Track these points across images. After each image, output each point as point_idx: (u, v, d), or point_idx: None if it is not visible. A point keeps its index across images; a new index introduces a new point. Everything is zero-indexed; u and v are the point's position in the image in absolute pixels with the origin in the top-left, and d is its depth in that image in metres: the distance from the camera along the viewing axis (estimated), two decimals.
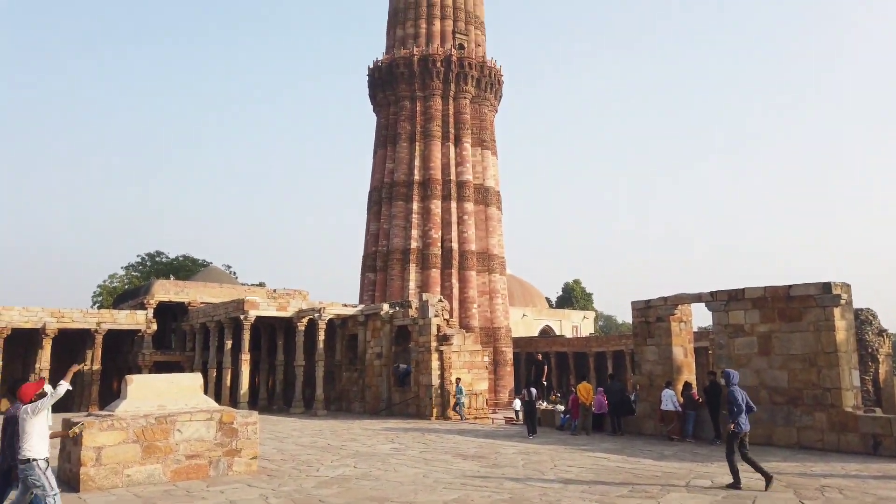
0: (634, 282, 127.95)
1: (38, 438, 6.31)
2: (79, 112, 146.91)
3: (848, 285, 13.63)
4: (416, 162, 39.62)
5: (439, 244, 38.67)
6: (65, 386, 6.57)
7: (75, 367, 7.56)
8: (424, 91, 40.28)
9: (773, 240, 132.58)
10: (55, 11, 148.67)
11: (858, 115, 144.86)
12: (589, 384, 18.04)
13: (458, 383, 22.58)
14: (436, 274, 38.20)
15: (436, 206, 39.04)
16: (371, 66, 42.20)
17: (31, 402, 6.41)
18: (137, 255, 58.66)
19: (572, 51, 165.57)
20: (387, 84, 41.20)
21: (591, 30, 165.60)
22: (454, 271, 38.47)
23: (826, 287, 13.28)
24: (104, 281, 56.38)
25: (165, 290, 32.23)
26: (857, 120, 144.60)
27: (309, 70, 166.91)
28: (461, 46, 41.23)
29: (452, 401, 22.58)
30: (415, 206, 39.08)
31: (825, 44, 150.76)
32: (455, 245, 38.76)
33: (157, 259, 57.11)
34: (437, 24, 41.40)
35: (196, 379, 10.92)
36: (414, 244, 38.57)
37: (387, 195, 40.18)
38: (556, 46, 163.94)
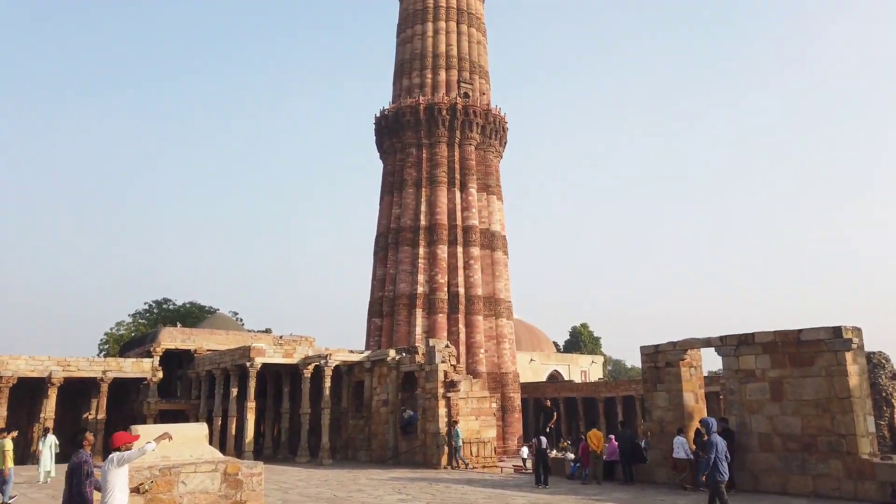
0: (643, 325, 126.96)
1: (120, 492, 6.13)
2: (83, 158, 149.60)
3: (858, 329, 13.50)
4: (423, 207, 39.96)
5: (446, 289, 38.66)
6: (152, 446, 6.45)
7: (167, 436, 7.23)
8: (430, 138, 40.91)
9: (783, 282, 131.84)
10: (47, 55, 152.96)
11: (874, 152, 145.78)
12: (599, 431, 17.76)
13: (454, 427, 22.22)
14: (442, 319, 38.08)
15: (442, 251, 39.19)
16: (378, 115, 43.00)
17: (117, 449, 6.28)
18: (145, 303, 58.80)
19: (576, 95, 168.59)
20: (393, 132, 41.90)
21: (594, 73, 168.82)
22: (461, 316, 38.35)
23: (837, 331, 13.17)
24: (111, 328, 56.43)
25: (172, 338, 32.19)
26: (873, 158, 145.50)
27: (316, 118, 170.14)
28: (466, 95, 42.04)
29: (448, 448, 22.20)
30: (421, 251, 39.23)
31: (841, 80, 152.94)
32: (461, 290, 38.73)
33: (165, 306, 57.20)
34: (443, 73, 42.34)
35: (201, 429, 10.82)
36: (420, 289, 38.58)
37: (393, 240, 40.40)
38: (560, 92, 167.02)
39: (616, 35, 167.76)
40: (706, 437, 9.12)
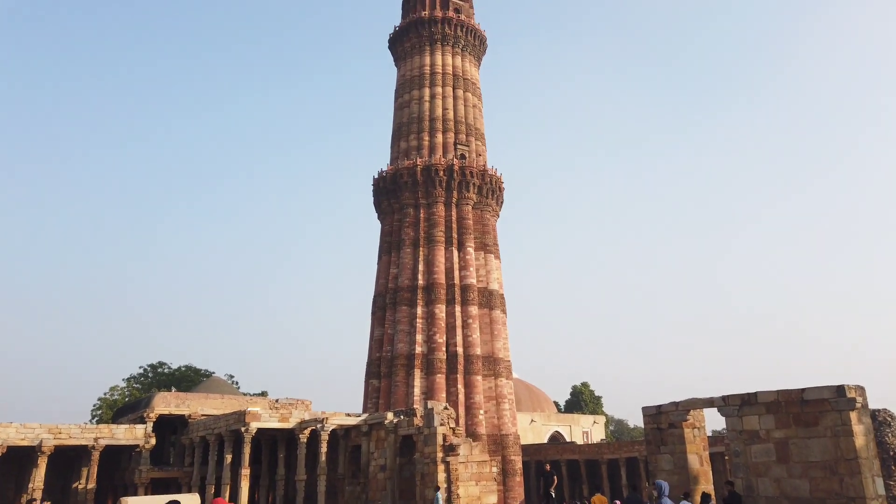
0: (644, 383, 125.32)
1: None
2: (75, 218, 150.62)
3: (862, 388, 13.36)
4: (420, 267, 40.06)
5: (444, 349, 38.32)
6: None
7: None
8: (428, 198, 41.39)
9: (786, 338, 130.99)
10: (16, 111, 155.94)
11: (875, 205, 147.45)
12: (603, 496, 17.30)
13: (436, 491, 21.56)
14: (441, 379, 37.59)
15: (440, 310, 39.05)
16: (376, 176, 43.64)
17: None
18: (139, 367, 58.02)
19: (571, 153, 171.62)
20: (391, 192, 42.43)
21: (589, 130, 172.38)
22: (459, 376, 37.87)
23: (840, 390, 13.02)
24: (105, 394, 55.51)
25: (166, 403, 31.63)
26: (879, 212, 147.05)
27: (313, 179, 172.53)
28: (463, 156, 42.80)
29: None
30: (419, 310, 39.09)
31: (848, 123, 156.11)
32: (460, 349, 38.39)
33: (160, 370, 56.48)
34: (440, 136, 43.21)
35: (194, 500, 10.54)
36: (418, 349, 38.23)
37: (391, 300, 40.31)
38: (556, 150, 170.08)
39: (607, 90, 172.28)
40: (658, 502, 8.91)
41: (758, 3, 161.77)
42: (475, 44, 46.26)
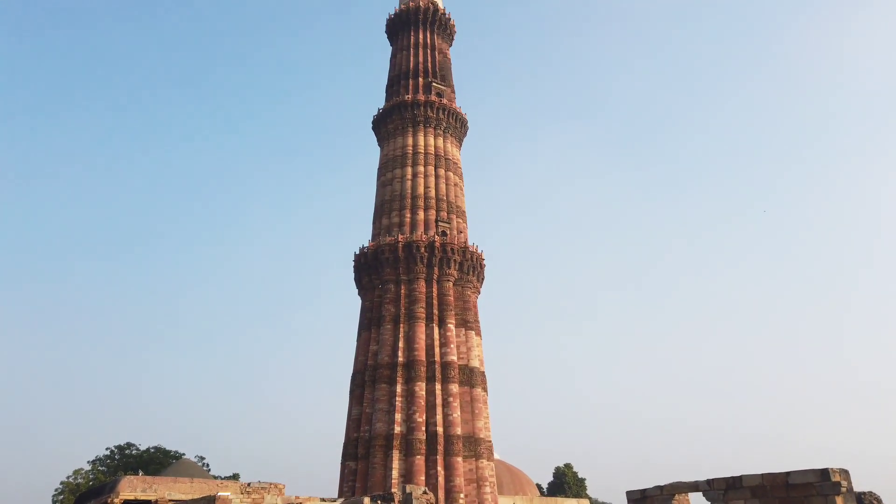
0: (630, 465, 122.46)
1: None
2: (38, 284, 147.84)
3: (846, 471, 13.20)
4: (401, 343, 39.67)
5: (424, 428, 37.43)
6: None
7: None
8: (409, 275, 41.51)
9: (772, 417, 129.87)
10: None
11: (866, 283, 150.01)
12: None
13: None
14: (420, 461, 36.49)
15: (420, 388, 38.41)
16: (357, 253, 43.83)
17: None
18: (106, 448, 55.67)
19: (554, 229, 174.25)
20: (372, 269, 42.53)
21: (569, 212, 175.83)
22: (439, 457, 36.82)
23: (824, 474, 12.85)
24: (68, 477, 52.86)
25: (132, 487, 30.18)
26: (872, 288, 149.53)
27: (290, 255, 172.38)
28: (444, 233, 43.31)
29: None
30: (399, 388, 38.41)
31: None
32: (440, 429, 37.51)
33: (127, 451, 54.24)
34: (421, 213, 43.83)
35: None
36: (398, 429, 37.31)
37: (370, 378, 39.63)
38: (538, 227, 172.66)
39: (589, 170, 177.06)
40: None
41: (744, 93, 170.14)
42: (456, 126, 47.74)
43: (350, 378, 41.55)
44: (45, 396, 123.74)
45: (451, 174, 46.06)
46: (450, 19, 50.86)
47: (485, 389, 40.99)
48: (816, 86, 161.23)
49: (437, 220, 43.68)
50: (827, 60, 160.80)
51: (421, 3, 49.93)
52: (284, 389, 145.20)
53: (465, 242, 43.70)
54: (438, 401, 38.38)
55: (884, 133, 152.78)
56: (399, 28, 50.10)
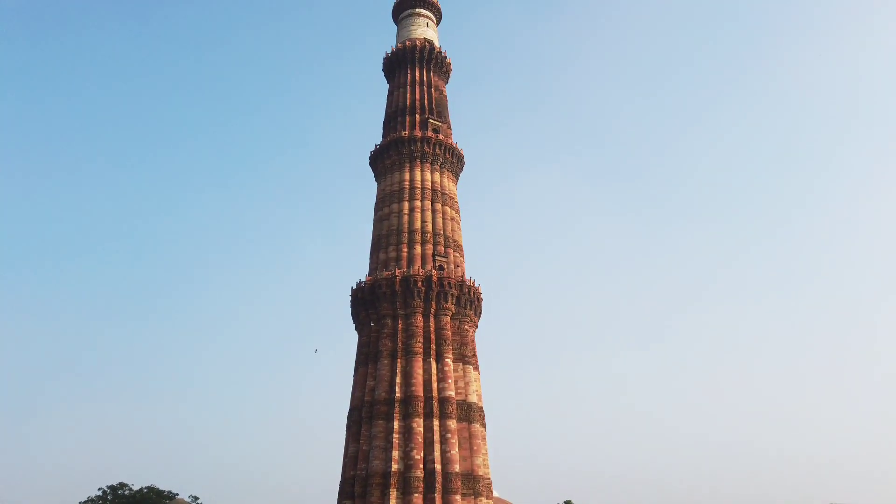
0: (631, 500, 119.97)
1: None
2: (27, 324, 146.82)
3: None
4: (398, 379, 39.26)
5: (422, 466, 36.78)
6: None
7: None
8: (406, 309, 41.34)
9: (771, 460, 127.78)
10: None
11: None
12: None
13: None
14: (418, 500, 35.75)
15: (418, 424, 37.87)
16: (354, 287, 43.71)
17: None
18: (98, 489, 54.51)
19: (550, 263, 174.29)
20: (370, 303, 42.36)
21: (567, 246, 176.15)
22: (438, 496, 36.07)
23: None
24: None
25: None
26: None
27: (285, 291, 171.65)
28: (441, 267, 43.29)
29: None
30: (396, 424, 37.86)
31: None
32: (438, 466, 36.85)
33: (120, 492, 53.08)
34: (418, 248, 43.84)
35: None
36: (395, 466, 36.66)
37: (367, 414, 39.10)
38: (534, 259, 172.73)
39: (585, 204, 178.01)
40: None
41: (737, 130, 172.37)
42: (453, 161, 48.16)
43: (347, 415, 41.02)
44: (36, 433, 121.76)
45: (447, 208, 46.26)
46: (446, 57, 51.80)
47: (483, 425, 40.44)
48: (825, 102, 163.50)
49: (434, 255, 43.70)
50: (832, 88, 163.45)
51: (417, 42, 50.93)
52: (280, 427, 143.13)
53: (463, 276, 43.65)
54: (436, 437, 37.81)
55: None
56: (396, 66, 50.99)
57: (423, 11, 53.53)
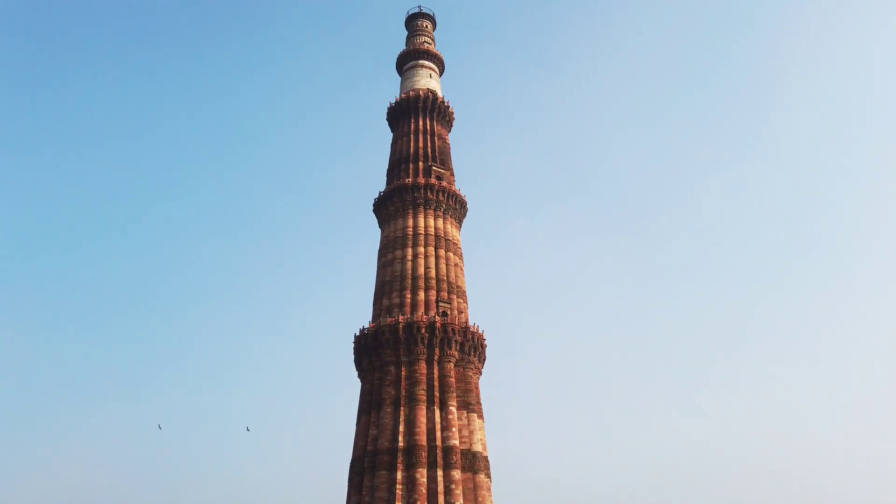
0: None
1: None
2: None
3: None
4: (401, 427, 38.60)
5: None
6: None
7: None
8: (409, 356, 40.98)
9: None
10: None
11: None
12: None
13: None
14: None
15: (421, 474, 37.03)
16: (357, 334, 43.47)
17: None
18: None
19: (556, 308, 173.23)
20: (373, 350, 42.04)
21: (572, 289, 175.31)
22: None
23: None
24: None
25: None
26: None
27: (290, 339, 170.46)
28: (445, 314, 43.09)
29: None
30: (399, 475, 37.02)
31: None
32: None
33: None
34: (422, 294, 43.78)
35: None
36: None
37: (369, 464, 38.28)
38: (539, 305, 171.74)
39: (592, 245, 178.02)
40: None
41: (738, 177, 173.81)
42: (456, 207, 48.53)
43: (349, 465, 40.19)
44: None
45: (451, 255, 46.35)
46: (448, 107, 52.84)
47: (488, 475, 39.53)
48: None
49: (437, 301, 43.57)
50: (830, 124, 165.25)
51: (421, 92, 52.04)
52: (280, 478, 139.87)
53: (466, 322, 43.41)
54: (440, 489, 36.92)
55: None
56: (400, 115, 51.97)
57: (427, 63, 54.89)
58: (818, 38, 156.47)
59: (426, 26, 57.66)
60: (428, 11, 58.15)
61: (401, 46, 57.04)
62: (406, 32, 58.01)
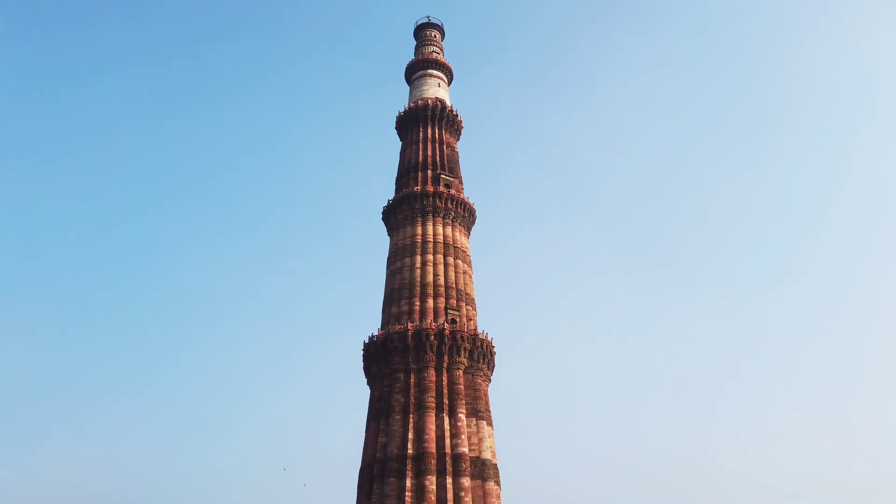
0: None
1: None
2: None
3: None
4: (410, 435, 38.64)
5: None
6: None
7: None
8: (418, 363, 41.08)
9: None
10: None
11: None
12: None
13: None
14: None
15: (430, 482, 37.01)
16: (366, 342, 43.63)
17: None
18: None
19: (564, 316, 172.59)
20: (382, 358, 42.16)
21: (582, 296, 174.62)
22: None
23: None
24: None
25: None
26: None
27: (299, 347, 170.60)
28: (453, 321, 43.20)
29: None
30: (408, 482, 37.01)
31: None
32: None
33: None
34: (431, 301, 43.91)
35: None
36: None
37: (379, 472, 38.31)
38: (548, 312, 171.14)
39: (601, 252, 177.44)
40: None
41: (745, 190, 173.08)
42: (465, 215, 48.75)
43: (358, 473, 40.24)
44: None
45: (459, 262, 46.51)
46: (457, 116, 53.19)
47: (497, 483, 39.43)
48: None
49: (446, 308, 43.69)
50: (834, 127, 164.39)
51: (430, 101, 52.42)
52: (289, 485, 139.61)
53: (475, 329, 43.49)
54: (450, 496, 36.90)
55: None
56: (408, 124, 52.36)
57: (435, 72, 55.34)
58: (818, 39, 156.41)
59: (435, 36, 58.19)
60: (437, 21, 58.80)
61: (409, 56, 57.62)
62: (415, 42, 58.54)
